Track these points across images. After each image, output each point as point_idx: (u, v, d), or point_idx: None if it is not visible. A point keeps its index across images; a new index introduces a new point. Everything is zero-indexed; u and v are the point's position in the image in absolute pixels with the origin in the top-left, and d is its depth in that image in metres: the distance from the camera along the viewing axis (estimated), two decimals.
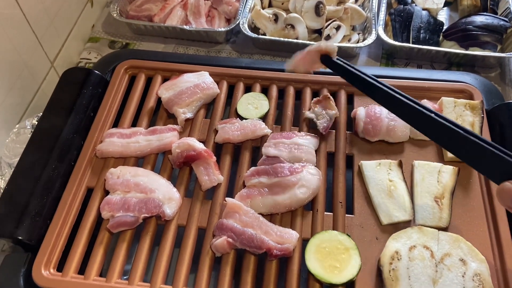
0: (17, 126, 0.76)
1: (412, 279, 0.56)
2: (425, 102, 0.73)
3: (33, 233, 0.61)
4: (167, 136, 0.71)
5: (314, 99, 0.75)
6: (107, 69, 0.82)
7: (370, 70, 0.81)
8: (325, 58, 0.64)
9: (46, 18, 0.87)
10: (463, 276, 0.56)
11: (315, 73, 0.80)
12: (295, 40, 0.93)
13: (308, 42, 0.93)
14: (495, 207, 0.63)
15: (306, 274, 0.60)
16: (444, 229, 0.62)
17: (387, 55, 0.97)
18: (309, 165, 0.67)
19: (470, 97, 0.74)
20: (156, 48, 1.01)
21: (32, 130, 0.73)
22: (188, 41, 1.02)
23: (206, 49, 1.00)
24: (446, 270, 0.57)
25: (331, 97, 0.74)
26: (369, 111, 0.72)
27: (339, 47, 0.92)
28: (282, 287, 0.59)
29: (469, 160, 0.53)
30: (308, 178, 0.64)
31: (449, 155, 0.67)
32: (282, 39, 0.93)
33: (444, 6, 1.03)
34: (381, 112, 0.71)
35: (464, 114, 0.70)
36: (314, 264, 0.58)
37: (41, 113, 0.73)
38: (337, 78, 0.78)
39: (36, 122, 0.75)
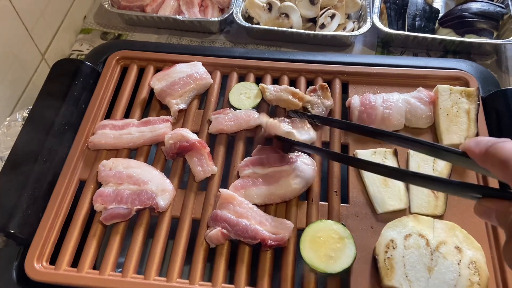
0: (8, 119, 0.75)
1: (407, 267, 0.56)
2: (421, 90, 0.72)
3: (25, 226, 0.61)
4: (160, 127, 0.70)
5: (310, 87, 0.74)
6: (98, 60, 0.81)
7: (366, 58, 0.80)
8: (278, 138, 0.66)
9: (36, 9, 0.85)
10: (458, 264, 0.56)
11: (309, 61, 0.79)
12: (290, 29, 0.92)
13: (302, 31, 0.91)
14: None
15: (301, 264, 0.59)
16: (440, 217, 0.61)
17: (383, 44, 0.96)
18: (304, 155, 0.66)
19: (466, 84, 0.73)
20: (149, 39, 0.99)
21: (23, 123, 0.72)
22: (181, 32, 1.01)
23: (199, 40, 0.99)
24: (442, 258, 0.57)
25: (327, 87, 0.73)
26: (364, 100, 0.71)
27: (334, 36, 0.91)
28: (277, 277, 0.59)
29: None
30: (303, 168, 0.64)
31: (445, 142, 0.67)
32: (276, 28, 0.92)
33: None
34: (376, 100, 0.71)
35: (459, 102, 0.69)
36: (309, 254, 0.57)
37: (32, 106, 0.72)
38: (332, 67, 0.78)
39: (27, 115, 0.74)
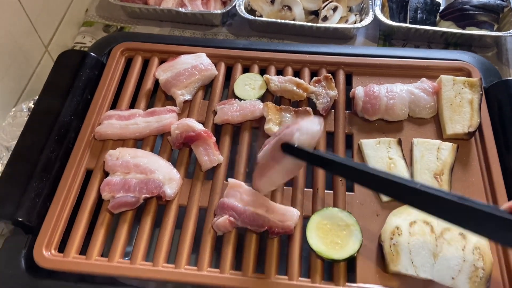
0: (13, 109, 0.75)
1: (413, 253, 0.57)
2: (424, 81, 0.73)
3: (33, 215, 0.61)
4: (166, 118, 0.71)
5: (314, 78, 0.75)
6: (102, 52, 0.81)
7: (369, 50, 0.81)
8: (286, 146, 0.56)
9: (39, 1, 0.85)
10: (463, 250, 0.57)
11: (313, 53, 0.80)
12: (292, 22, 0.93)
13: (305, 23, 0.92)
14: (494, 183, 0.63)
15: (307, 252, 0.60)
16: None
17: (385, 36, 0.97)
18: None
19: (468, 75, 0.74)
20: (151, 32, 0.99)
21: (29, 113, 0.72)
22: (183, 24, 1.01)
23: (202, 32, 1.00)
24: (446, 244, 0.58)
25: (332, 78, 0.74)
26: (368, 90, 0.72)
27: (336, 28, 0.92)
28: (284, 264, 0.60)
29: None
30: (306, 124, 0.56)
31: (448, 132, 0.68)
32: (279, 20, 0.93)
33: None
34: (380, 91, 0.71)
35: (463, 92, 0.70)
36: (316, 241, 0.58)
37: (37, 96, 0.72)
38: (336, 58, 0.78)
39: (33, 105, 0.74)
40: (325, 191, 0.65)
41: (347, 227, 0.59)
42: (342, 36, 0.95)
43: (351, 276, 0.58)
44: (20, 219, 0.60)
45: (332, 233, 0.59)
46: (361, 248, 0.58)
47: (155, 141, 0.72)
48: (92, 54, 0.78)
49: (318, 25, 0.92)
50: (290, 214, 0.61)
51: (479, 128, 0.68)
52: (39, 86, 0.74)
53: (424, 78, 0.73)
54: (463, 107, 0.69)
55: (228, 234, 0.61)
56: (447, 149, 0.66)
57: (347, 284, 0.57)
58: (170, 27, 1.01)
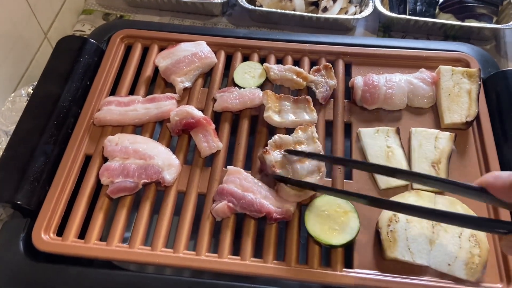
0: (12, 95, 0.75)
1: (409, 239, 0.57)
2: (423, 71, 0.73)
3: (32, 198, 0.61)
4: (166, 104, 0.71)
5: (313, 67, 0.75)
6: (102, 39, 0.81)
7: (369, 40, 0.81)
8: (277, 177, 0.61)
9: None
10: (459, 237, 0.58)
11: (313, 42, 0.80)
12: (292, 12, 0.93)
13: (305, 14, 0.92)
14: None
15: (305, 239, 0.61)
16: (440, 193, 0.62)
17: (384, 28, 0.97)
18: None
19: (467, 66, 0.75)
20: (151, 21, 0.99)
21: (28, 99, 0.72)
22: (183, 14, 1.01)
23: (201, 22, 0.99)
24: (443, 231, 0.58)
25: (331, 67, 0.74)
26: (367, 80, 0.72)
27: (336, 19, 0.92)
28: (281, 250, 0.60)
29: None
30: None
31: (446, 121, 0.68)
32: (279, 10, 0.93)
33: None
34: (379, 80, 0.72)
35: (461, 82, 0.70)
36: (314, 227, 0.59)
37: (36, 82, 0.72)
38: (335, 48, 0.78)
39: (32, 91, 0.74)
40: (324, 178, 0.65)
41: (345, 213, 0.59)
42: (341, 27, 0.95)
43: (348, 262, 0.58)
44: (19, 202, 0.60)
45: (331, 219, 0.59)
46: (359, 234, 0.58)
47: (154, 128, 0.72)
48: (92, 40, 0.78)
49: (318, 15, 0.92)
50: (288, 201, 0.61)
51: (477, 118, 0.68)
52: (37, 72, 0.74)
53: (423, 69, 0.73)
54: (461, 97, 0.69)
55: (226, 220, 0.61)
56: (445, 138, 0.66)
57: (344, 269, 0.57)
58: (170, 16, 1.00)
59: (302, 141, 0.64)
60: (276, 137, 0.64)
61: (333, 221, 0.59)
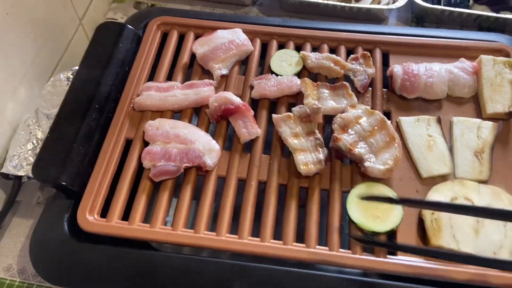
0: (51, 79, 0.75)
1: (454, 228, 0.57)
2: (463, 61, 0.72)
3: (76, 180, 0.62)
4: (204, 90, 0.71)
5: (351, 55, 0.74)
6: (138, 26, 0.81)
7: (406, 30, 0.80)
8: None
9: None
10: (504, 226, 0.57)
11: (349, 31, 0.80)
12: (325, 1, 0.92)
13: (337, 3, 0.91)
14: None
15: (345, 229, 0.61)
16: (484, 182, 0.62)
17: (417, 19, 0.96)
18: None
19: (507, 56, 0.74)
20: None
21: (68, 83, 0.72)
22: (214, 3, 1.01)
23: (232, 11, 0.99)
24: (488, 220, 0.58)
25: (370, 55, 0.73)
26: (406, 69, 0.71)
27: (369, 9, 0.91)
28: (323, 238, 0.60)
29: None
30: None
31: (489, 111, 0.67)
32: (311, 0, 0.92)
33: None
34: (419, 69, 0.71)
35: (503, 72, 0.70)
36: (356, 214, 0.58)
37: (77, 66, 0.72)
38: (372, 37, 0.78)
39: (71, 75, 0.74)
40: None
41: None
42: (374, 18, 0.95)
43: None
44: (64, 183, 0.60)
45: (373, 207, 0.59)
46: (401, 222, 0.58)
47: (192, 114, 0.72)
48: (130, 26, 0.78)
49: (351, 5, 0.91)
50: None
51: None
52: (73, 59, 0.74)
53: (463, 58, 0.73)
54: (504, 87, 0.68)
55: (267, 204, 0.61)
56: (488, 127, 0.65)
57: (388, 256, 0.57)
58: (201, 5, 1.00)
59: (360, 115, 0.64)
60: (338, 119, 0.64)
61: (376, 208, 0.59)
